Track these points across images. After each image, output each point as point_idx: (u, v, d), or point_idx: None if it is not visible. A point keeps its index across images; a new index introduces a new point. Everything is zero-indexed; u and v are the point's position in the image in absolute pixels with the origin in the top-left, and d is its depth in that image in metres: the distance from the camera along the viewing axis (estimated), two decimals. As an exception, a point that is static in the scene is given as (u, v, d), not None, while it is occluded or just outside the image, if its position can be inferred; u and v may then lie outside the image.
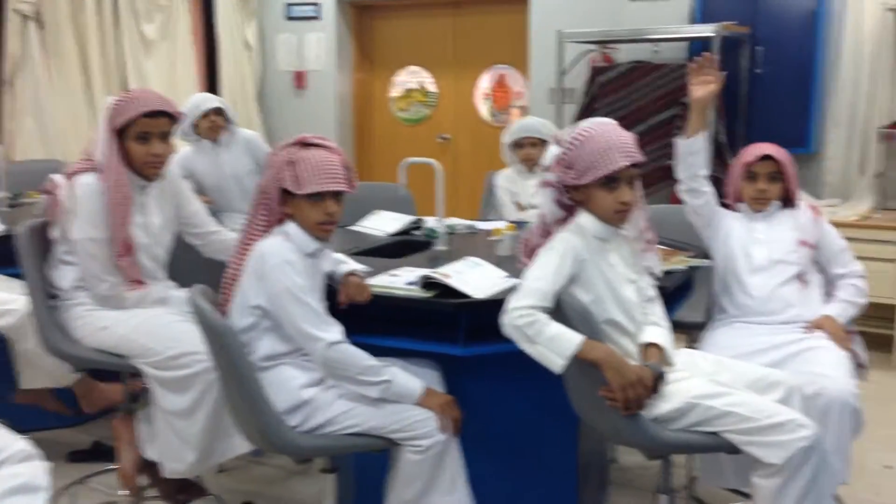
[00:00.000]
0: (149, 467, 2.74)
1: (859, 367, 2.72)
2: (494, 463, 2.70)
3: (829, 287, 2.86)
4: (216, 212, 4.28)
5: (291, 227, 2.29)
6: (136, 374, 2.68)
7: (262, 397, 2.16)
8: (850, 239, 2.96)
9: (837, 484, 2.39)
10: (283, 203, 2.28)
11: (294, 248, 2.26)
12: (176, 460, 2.60)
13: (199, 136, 4.32)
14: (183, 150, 4.36)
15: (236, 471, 3.38)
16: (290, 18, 6.76)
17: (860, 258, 2.91)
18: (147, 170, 2.72)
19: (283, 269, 2.20)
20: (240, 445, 2.56)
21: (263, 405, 2.15)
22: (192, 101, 4.37)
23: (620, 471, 3.36)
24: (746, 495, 2.85)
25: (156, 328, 2.65)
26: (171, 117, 2.71)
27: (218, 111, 4.29)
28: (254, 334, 2.27)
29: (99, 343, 2.69)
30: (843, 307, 2.76)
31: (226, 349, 2.15)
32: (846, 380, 2.45)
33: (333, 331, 2.21)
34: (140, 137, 2.66)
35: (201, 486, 2.88)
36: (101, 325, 2.68)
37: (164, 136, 2.71)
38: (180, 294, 2.83)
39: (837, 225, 2.89)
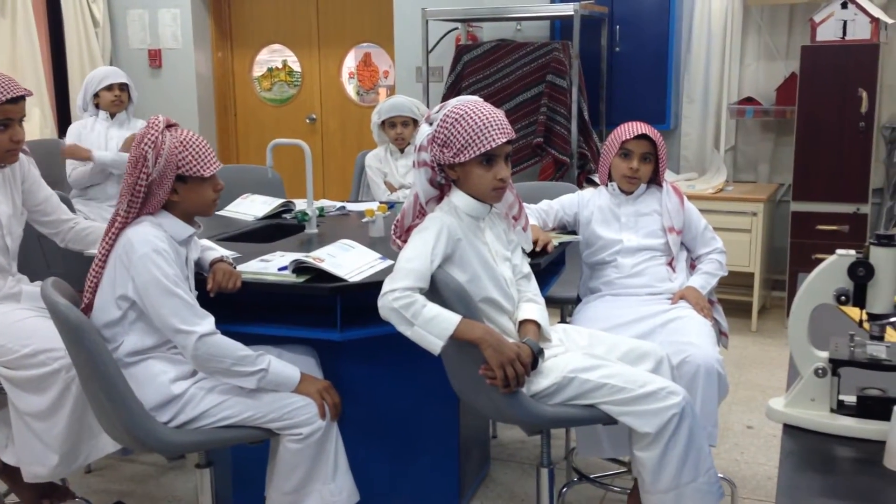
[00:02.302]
0: (8, 472, 2.59)
1: (721, 335, 2.85)
2: (376, 445, 2.68)
3: (693, 261, 2.98)
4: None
5: (163, 214, 2.19)
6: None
7: (128, 394, 2.04)
8: (707, 211, 3.08)
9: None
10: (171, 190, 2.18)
11: (164, 237, 2.15)
12: (37, 464, 2.44)
13: (98, 107, 4.19)
14: (77, 123, 4.24)
15: (105, 470, 3.22)
16: (142, -7, 6.44)
17: (718, 229, 3.03)
18: (9, 158, 2.59)
19: (152, 258, 2.10)
20: (107, 445, 2.43)
21: (129, 402, 2.04)
22: (99, 71, 4.23)
23: (500, 446, 3.41)
24: (623, 463, 2.97)
25: (7, 325, 2.48)
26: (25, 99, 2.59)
27: (123, 87, 4.18)
28: (120, 329, 2.15)
29: (-58, 344, 2.48)
30: (705, 279, 2.87)
31: (84, 345, 2.01)
32: (710, 347, 2.55)
33: (205, 323, 2.12)
34: (1, 124, 2.52)
35: (67, 489, 2.74)
36: (-56, 324, 2.48)
37: (21, 121, 2.58)
38: (33, 288, 2.66)
39: (695, 198, 3.01)
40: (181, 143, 2.15)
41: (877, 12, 4.49)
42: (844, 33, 4.53)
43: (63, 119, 6.13)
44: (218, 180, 2.25)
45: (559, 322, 3.36)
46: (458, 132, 2.11)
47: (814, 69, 4.56)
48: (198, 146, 2.18)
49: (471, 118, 2.11)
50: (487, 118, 2.11)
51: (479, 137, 2.10)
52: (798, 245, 4.70)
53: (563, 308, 3.46)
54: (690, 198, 3.03)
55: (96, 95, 4.15)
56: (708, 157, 5.32)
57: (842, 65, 4.50)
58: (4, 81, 2.53)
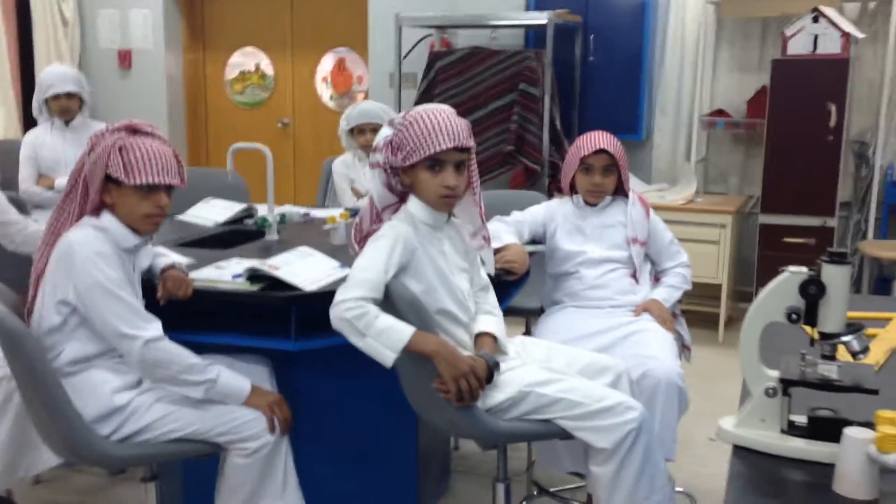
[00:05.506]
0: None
1: (684, 348, 2.82)
2: (332, 459, 2.63)
3: (657, 274, 2.95)
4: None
5: (108, 219, 2.12)
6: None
7: (68, 406, 1.98)
8: (677, 222, 3.06)
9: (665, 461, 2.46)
10: (103, 191, 2.10)
11: (107, 240, 2.09)
12: (-24, 475, 2.36)
13: (50, 112, 4.09)
14: (33, 130, 4.16)
15: (53, 482, 3.13)
16: (114, -7, 6.36)
17: (687, 240, 3.01)
18: None
19: (94, 261, 2.03)
20: (49, 458, 2.34)
21: (69, 414, 1.97)
22: (49, 75, 4.07)
23: (462, 458, 3.36)
24: (583, 476, 2.93)
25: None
26: None
27: (70, 95, 4.03)
28: (60, 336, 2.08)
29: None
30: (668, 292, 2.85)
31: (22, 355, 1.95)
32: (672, 361, 2.53)
33: (151, 327, 2.06)
34: None
35: (12, 501, 2.65)
36: None
37: None
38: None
39: (665, 209, 2.98)
40: (122, 145, 2.07)
41: (848, 27, 4.50)
42: (815, 47, 4.53)
43: (29, 119, 6.03)
44: (161, 197, 2.11)
45: (523, 333, 3.33)
46: (409, 136, 2.08)
47: (784, 82, 4.56)
48: (138, 153, 2.06)
49: (422, 122, 2.07)
50: (438, 123, 2.07)
51: (426, 141, 2.06)
52: (766, 257, 4.69)
53: (528, 318, 3.41)
54: (660, 209, 3.01)
55: (47, 102, 4.06)
56: (679, 168, 5.31)
57: (812, 78, 4.50)
58: None
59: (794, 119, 4.55)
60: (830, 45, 4.50)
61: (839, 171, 4.55)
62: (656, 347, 2.57)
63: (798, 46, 4.57)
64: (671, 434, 2.49)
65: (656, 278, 2.95)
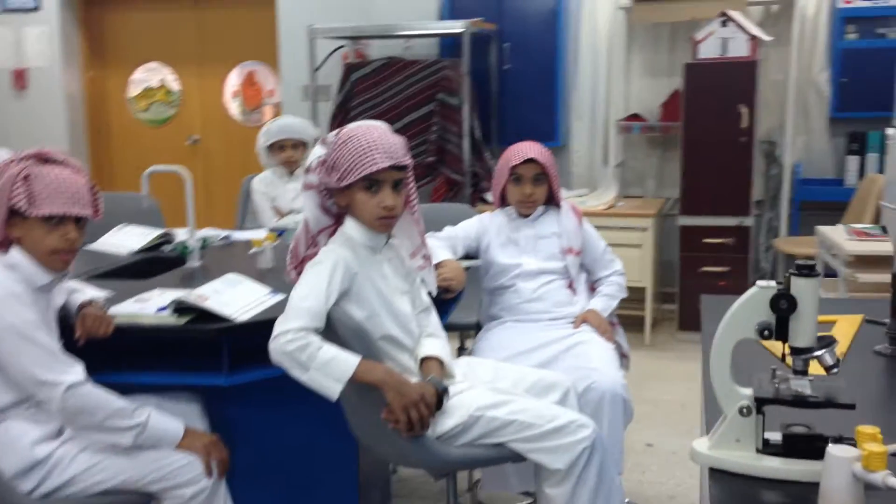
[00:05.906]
0: None
1: (623, 357, 2.81)
2: (271, 495, 2.50)
3: (593, 283, 2.93)
4: None
5: (16, 256, 1.95)
6: None
7: (-16, 464, 1.81)
8: (599, 227, 3.05)
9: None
10: (9, 225, 1.94)
11: (19, 279, 1.93)
12: None
13: None
14: None
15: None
16: (6, 10, 6.03)
17: (610, 245, 2.99)
18: None
19: (6, 304, 1.87)
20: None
21: (-15, 473, 1.80)
22: None
23: (402, 482, 3.26)
24: (530, 494, 2.87)
25: None
26: None
27: None
28: (-30, 387, 1.90)
29: None
30: (606, 301, 2.83)
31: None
32: (615, 372, 2.51)
33: (73, 371, 1.91)
34: None
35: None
36: None
37: None
38: None
39: (587, 215, 2.95)
40: (29, 174, 1.91)
41: (755, 30, 4.60)
42: (725, 50, 4.63)
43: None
44: (70, 229, 1.95)
45: (458, 347, 3.27)
46: (344, 155, 1.99)
47: (697, 86, 4.64)
48: (46, 182, 1.91)
49: (357, 140, 1.98)
50: (374, 141, 1.98)
51: (361, 160, 1.97)
52: (687, 259, 4.74)
53: (463, 334, 3.35)
54: (583, 214, 2.99)
55: None
56: (598, 174, 5.34)
57: (723, 81, 4.60)
58: None
59: (708, 121, 4.63)
60: (739, 48, 4.60)
61: (752, 172, 4.65)
62: (598, 359, 2.54)
63: (708, 50, 4.66)
64: (618, 446, 2.47)
65: (591, 287, 2.93)
